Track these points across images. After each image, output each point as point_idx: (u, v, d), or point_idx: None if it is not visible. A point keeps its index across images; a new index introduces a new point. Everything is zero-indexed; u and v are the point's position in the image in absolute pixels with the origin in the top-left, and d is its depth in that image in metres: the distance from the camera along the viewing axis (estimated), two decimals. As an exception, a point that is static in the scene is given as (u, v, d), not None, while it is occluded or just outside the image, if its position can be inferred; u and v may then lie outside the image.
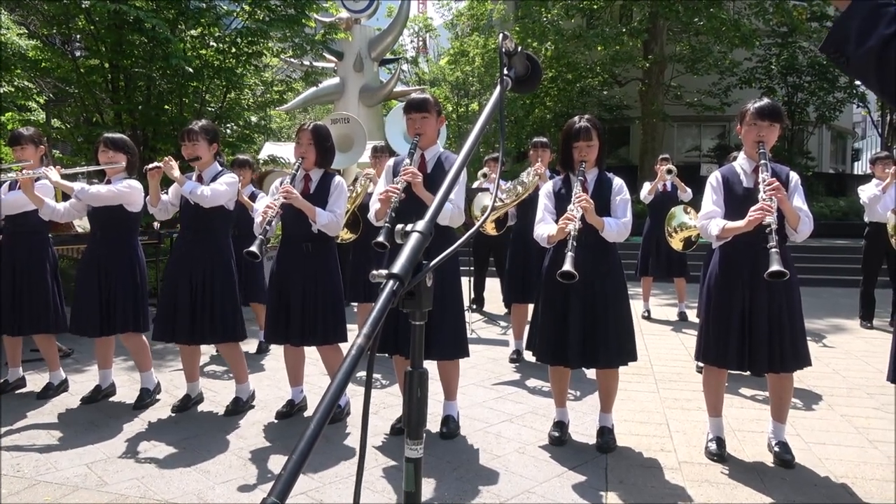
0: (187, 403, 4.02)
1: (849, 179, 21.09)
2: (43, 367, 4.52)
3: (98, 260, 3.99)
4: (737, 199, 3.12)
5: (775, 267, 2.67)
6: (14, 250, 4.20)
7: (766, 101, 3.14)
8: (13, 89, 8.39)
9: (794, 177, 3.14)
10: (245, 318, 4.03)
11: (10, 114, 8.82)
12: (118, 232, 4.03)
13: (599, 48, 15.90)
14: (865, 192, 6.32)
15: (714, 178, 3.24)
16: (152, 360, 4.26)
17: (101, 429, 3.68)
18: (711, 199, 3.19)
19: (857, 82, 18.89)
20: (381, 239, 2.97)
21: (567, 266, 2.86)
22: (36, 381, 4.49)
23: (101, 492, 2.89)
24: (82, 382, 4.53)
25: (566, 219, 3.06)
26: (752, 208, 2.88)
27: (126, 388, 4.39)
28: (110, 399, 4.23)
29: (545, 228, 3.29)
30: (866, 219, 6.50)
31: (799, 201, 3.05)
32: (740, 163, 3.23)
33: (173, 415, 3.92)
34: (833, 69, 17.75)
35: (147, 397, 4.10)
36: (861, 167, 29.49)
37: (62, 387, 4.37)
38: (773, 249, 2.72)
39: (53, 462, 3.21)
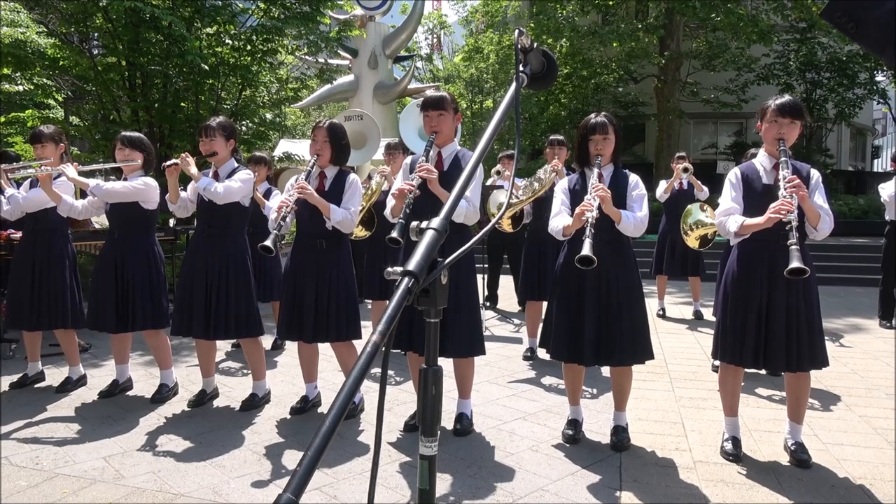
0: (203, 398, 4.05)
1: (868, 177, 20.78)
2: (62, 362, 4.57)
3: (114, 257, 4.03)
4: (756, 196, 3.09)
5: (795, 264, 2.64)
6: (34, 247, 4.25)
7: (787, 97, 3.10)
8: (33, 87, 8.50)
9: (815, 174, 3.10)
10: (262, 315, 4.05)
11: (29, 111, 8.95)
12: (134, 229, 4.07)
13: (615, 44, 15.78)
14: (886, 189, 6.25)
15: (733, 174, 3.21)
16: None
17: (118, 423, 3.73)
18: (730, 195, 3.16)
19: (878, 78, 18.61)
20: (394, 234, 2.97)
21: (585, 250, 2.84)
22: (55, 376, 4.55)
23: (118, 485, 2.92)
24: (100, 377, 4.58)
25: (583, 207, 3.03)
26: (773, 205, 2.85)
27: (143, 383, 4.44)
28: (127, 393, 4.28)
29: (561, 220, 3.27)
30: (887, 217, 6.42)
31: (820, 199, 3.01)
32: (760, 160, 3.19)
33: (189, 409, 3.95)
34: (853, 65, 17.49)
35: (165, 392, 4.14)
36: (881, 164, 29.07)
37: (81, 381, 4.42)
38: (794, 247, 2.68)
39: (71, 455, 3.25)
